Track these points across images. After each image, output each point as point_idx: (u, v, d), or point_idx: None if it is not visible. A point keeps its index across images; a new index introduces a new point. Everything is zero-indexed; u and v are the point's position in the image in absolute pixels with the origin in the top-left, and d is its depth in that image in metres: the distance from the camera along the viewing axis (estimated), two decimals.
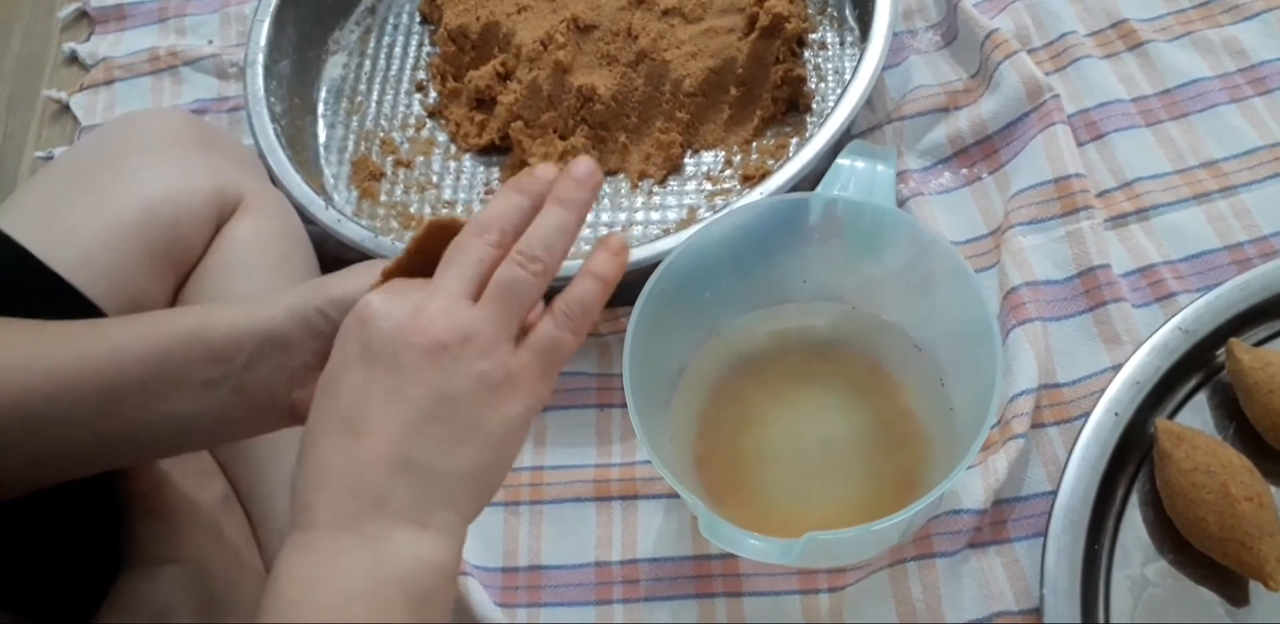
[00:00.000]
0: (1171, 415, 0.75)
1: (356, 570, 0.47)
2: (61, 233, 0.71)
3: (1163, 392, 0.75)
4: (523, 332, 0.52)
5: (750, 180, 0.91)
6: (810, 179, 0.83)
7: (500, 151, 0.97)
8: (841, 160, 0.73)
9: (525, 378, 0.51)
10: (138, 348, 0.57)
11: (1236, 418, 0.74)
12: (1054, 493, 0.71)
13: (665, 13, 0.96)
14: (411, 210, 0.94)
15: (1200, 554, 0.69)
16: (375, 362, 0.49)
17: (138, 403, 0.56)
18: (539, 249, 0.52)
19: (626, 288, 0.72)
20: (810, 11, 0.99)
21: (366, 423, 0.48)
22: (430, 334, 0.49)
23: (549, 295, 0.53)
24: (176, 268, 0.76)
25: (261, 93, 0.94)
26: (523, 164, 0.93)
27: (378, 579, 0.47)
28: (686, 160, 0.94)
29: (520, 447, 0.52)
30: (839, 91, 0.90)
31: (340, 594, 0.46)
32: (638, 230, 0.91)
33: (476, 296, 0.51)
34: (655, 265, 0.69)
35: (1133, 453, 0.73)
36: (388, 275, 0.55)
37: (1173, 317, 0.76)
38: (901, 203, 0.89)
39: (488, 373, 0.49)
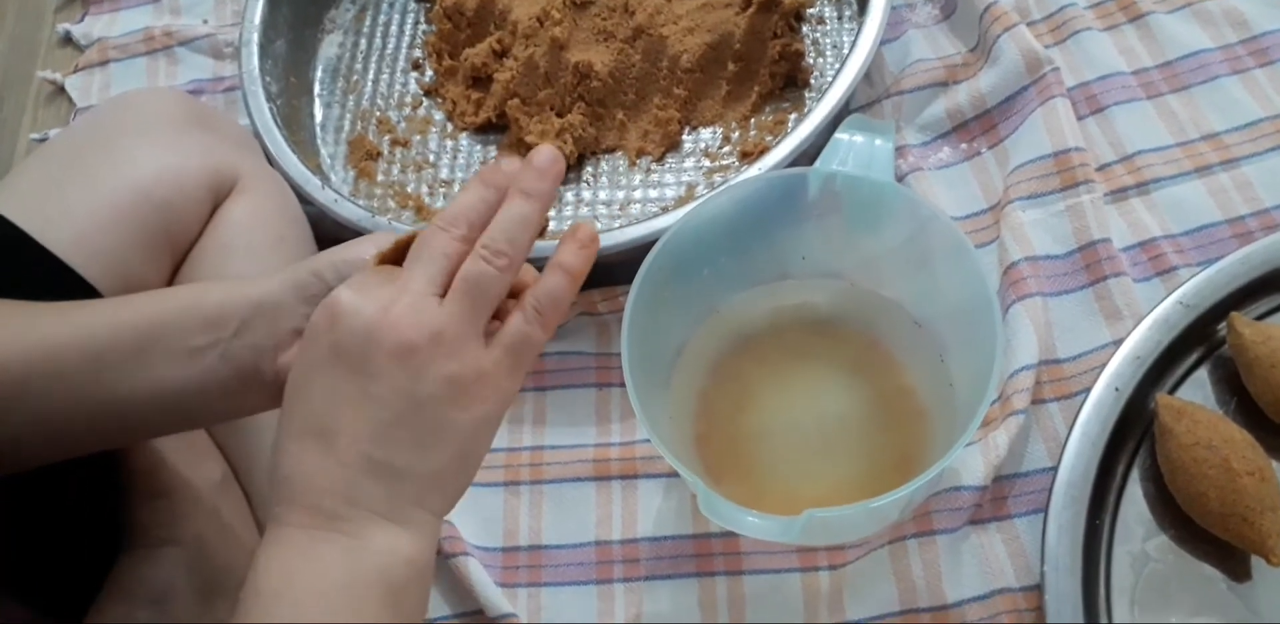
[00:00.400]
0: (1172, 390, 0.74)
1: (334, 563, 0.48)
2: (56, 214, 0.71)
3: (1164, 366, 0.74)
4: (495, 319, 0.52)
5: (748, 156, 0.91)
6: (809, 154, 0.82)
7: (497, 129, 0.96)
8: (840, 135, 0.73)
9: (496, 375, 0.51)
10: (131, 318, 0.57)
11: (1238, 392, 0.74)
12: (1054, 469, 0.71)
13: None
14: (409, 189, 0.94)
15: (1201, 529, 0.69)
16: (344, 363, 0.49)
17: (123, 373, 0.56)
18: (503, 242, 0.52)
19: (624, 266, 0.72)
20: None
21: (337, 426, 0.49)
22: (399, 333, 0.49)
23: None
24: (172, 248, 0.76)
25: (257, 72, 0.94)
26: (520, 142, 0.92)
27: (355, 571, 0.48)
28: (684, 137, 0.94)
29: (491, 441, 0.52)
30: (837, 66, 0.89)
31: (319, 585, 0.47)
32: (635, 208, 0.91)
33: (444, 291, 0.51)
34: (653, 243, 0.69)
35: (1133, 428, 0.73)
36: (383, 260, 0.55)
37: (1174, 291, 0.76)
38: (901, 178, 0.88)
39: (457, 374, 0.49)
